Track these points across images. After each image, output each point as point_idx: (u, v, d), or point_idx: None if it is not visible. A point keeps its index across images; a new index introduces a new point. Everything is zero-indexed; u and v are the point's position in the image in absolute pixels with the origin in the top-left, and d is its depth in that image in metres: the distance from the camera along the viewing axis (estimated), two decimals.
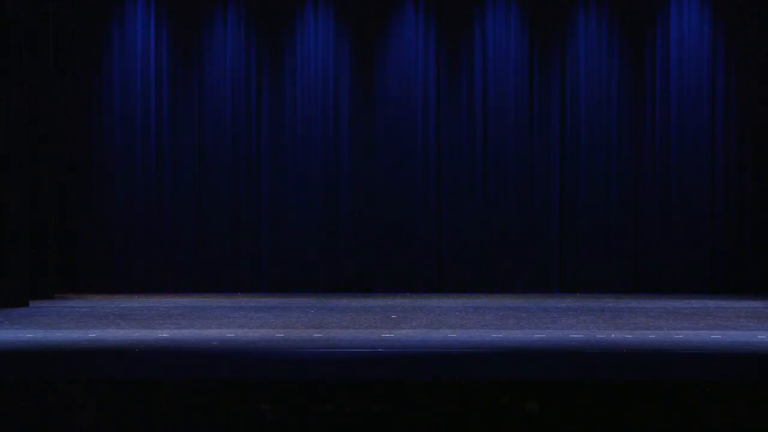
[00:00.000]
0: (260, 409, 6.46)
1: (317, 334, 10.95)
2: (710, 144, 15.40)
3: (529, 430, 6.29)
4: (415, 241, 15.57)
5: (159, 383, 7.45)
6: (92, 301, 14.30)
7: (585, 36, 15.54)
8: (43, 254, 14.32)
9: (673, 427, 6.33)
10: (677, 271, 15.37)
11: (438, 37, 15.61)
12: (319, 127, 15.60)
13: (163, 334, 11.06)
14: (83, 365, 9.48)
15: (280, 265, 15.58)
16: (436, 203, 15.63)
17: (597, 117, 15.51)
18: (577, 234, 15.51)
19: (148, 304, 13.88)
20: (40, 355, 9.83)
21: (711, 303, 14.14)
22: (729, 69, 15.39)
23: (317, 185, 15.59)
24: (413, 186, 15.59)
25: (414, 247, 15.56)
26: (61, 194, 15.14)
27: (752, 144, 15.33)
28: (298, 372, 9.12)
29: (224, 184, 15.56)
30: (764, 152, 15.27)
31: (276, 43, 15.66)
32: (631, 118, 15.53)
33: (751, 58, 15.28)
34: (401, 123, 15.59)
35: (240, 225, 15.58)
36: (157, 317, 12.52)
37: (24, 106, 13.75)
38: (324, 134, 15.60)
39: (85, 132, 15.46)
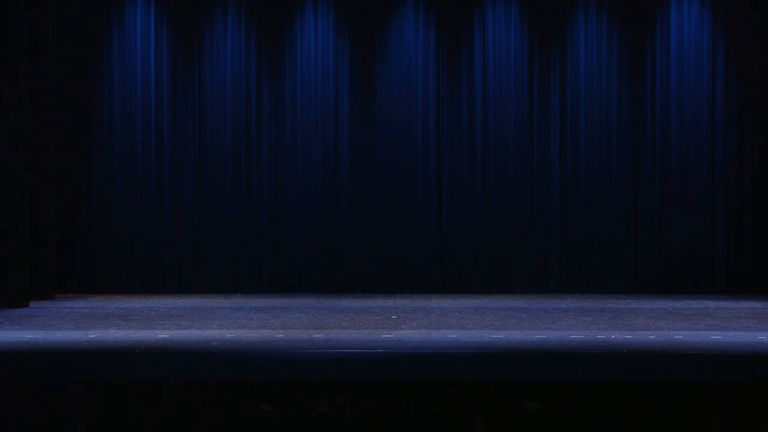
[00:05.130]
0: (260, 409, 6.46)
1: (317, 335, 10.96)
2: (710, 144, 15.41)
3: (529, 431, 6.28)
4: (415, 242, 15.57)
5: (159, 384, 7.45)
6: (92, 302, 14.31)
7: (585, 36, 15.55)
8: (43, 254, 14.33)
9: (673, 428, 6.33)
10: (677, 271, 15.37)
11: (438, 36, 15.62)
12: (319, 127, 15.61)
13: (163, 334, 11.06)
14: (83, 366, 9.48)
15: (280, 266, 15.58)
16: (436, 203, 15.63)
17: (597, 117, 15.51)
18: (577, 234, 15.51)
19: (148, 305, 13.89)
20: (41, 356, 9.83)
21: (711, 303, 14.15)
22: (729, 69, 15.39)
23: (317, 185, 15.60)
24: (413, 186, 15.59)
25: (414, 248, 15.56)
26: (61, 194, 15.15)
27: (752, 144, 15.34)
28: (298, 372, 9.13)
29: (224, 184, 15.57)
30: (764, 152, 15.28)
31: (276, 43, 15.66)
32: (631, 118, 15.53)
33: (751, 58, 15.28)
34: (401, 123, 15.59)
35: (240, 225, 15.58)
36: (157, 318, 12.53)
37: (24, 107, 13.75)
38: (324, 134, 15.60)
39: (85, 132, 15.46)
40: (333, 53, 15.64)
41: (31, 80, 14.01)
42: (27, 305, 13.54)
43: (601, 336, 10.93)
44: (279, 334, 11.02)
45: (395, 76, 15.61)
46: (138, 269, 15.45)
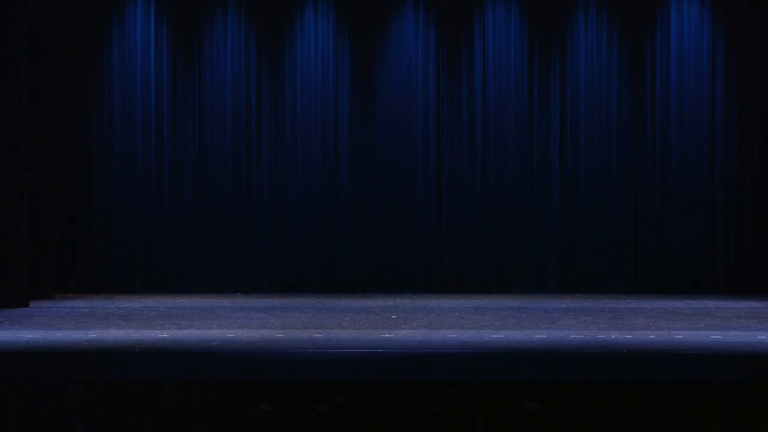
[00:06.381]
0: (260, 409, 6.46)
1: (317, 335, 10.96)
2: (710, 144, 15.41)
3: (529, 431, 6.28)
4: (415, 242, 15.57)
5: (159, 384, 7.45)
6: (92, 301, 14.31)
7: (585, 36, 15.55)
8: (43, 254, 14.33)
9: (673, 428, 6.33)
10: (677, 271, 15.37)
11: (438, 36, 15.62)
12: (319, 127, 15.61)
13: (163, 334, 11.06)
14: (83, 365, 9.48)
15: (280, 266, 15.58)
16: (436, 203, 15.63)
17: (597, 117, 15.52)
18: (577, 234, 15.51)
19: (148, 305, 13.89)
20: (41, 356, 9.83)
21: (711, 303, 14.15)
22: (729, 69, 15.39)
23: (317, 185, 15.60)
24: (413, 186, 15.59)
25: (414, 248, 15.56)
26: (61, 194, 15.15)
27: (752, 144, 15.34)
28: (298, 372, 9.13)
29: (224, 184, 15.57)
30: (764, 152, 15.28)
31: (276, 43, 15.66)
32: (631, 119, 15.53)
33: (751, 58, 15.28)
34: (401, 123, 15.60)
35: (240, 225, 15.59)
36: (157, 317, 12.53)
37: (24, 107, 13.75)
38: (324, 134, 15.61)
39: (85, 132, 15.46)
40: (333, 53, 15.64)
41: (31, 80, 14.01)
42: (27, 305, 13.55)
43: (601, 336, 10.93)
44: (279, 334, 11.02)
45: (395, 76, 15.61)
46: (138, 269, 15.45)
